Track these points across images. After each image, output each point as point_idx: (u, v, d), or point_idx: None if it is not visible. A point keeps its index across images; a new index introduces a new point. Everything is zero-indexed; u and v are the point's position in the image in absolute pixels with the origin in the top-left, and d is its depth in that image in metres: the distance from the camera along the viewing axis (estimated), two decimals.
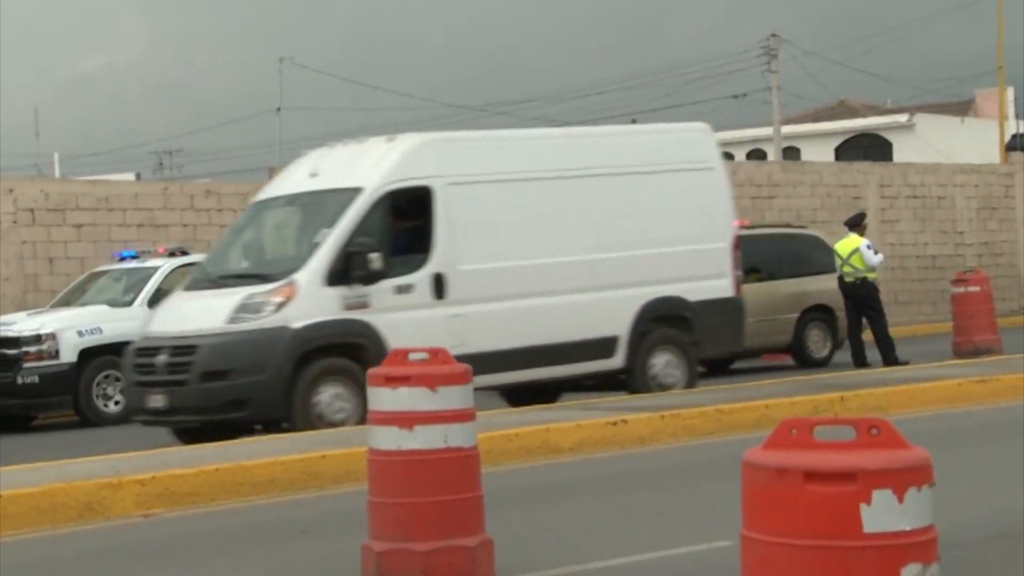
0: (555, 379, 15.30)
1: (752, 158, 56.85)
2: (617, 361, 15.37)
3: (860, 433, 3.76)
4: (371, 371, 7.41)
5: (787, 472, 3.70)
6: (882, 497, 3.63)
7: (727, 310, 16.13)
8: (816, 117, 63.01)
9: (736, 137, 63.18)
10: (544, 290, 14.77)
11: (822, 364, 20.97)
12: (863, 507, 3.62)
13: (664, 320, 15.69)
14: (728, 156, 59.13)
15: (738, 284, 16.39)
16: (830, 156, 56.54)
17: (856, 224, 20.12)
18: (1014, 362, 16.47)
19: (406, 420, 7.12)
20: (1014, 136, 51.31)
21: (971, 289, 20.35)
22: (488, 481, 7.50)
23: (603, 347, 15.24)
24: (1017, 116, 58.75)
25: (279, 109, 53.92)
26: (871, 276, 19.61)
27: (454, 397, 7.21)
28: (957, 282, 20.83)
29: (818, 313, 21.53)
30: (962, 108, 64.18)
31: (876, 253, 19.88)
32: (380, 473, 7.19)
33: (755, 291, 19.86)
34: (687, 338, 15.83)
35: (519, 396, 15.81)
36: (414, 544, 6.94)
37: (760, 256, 21.00)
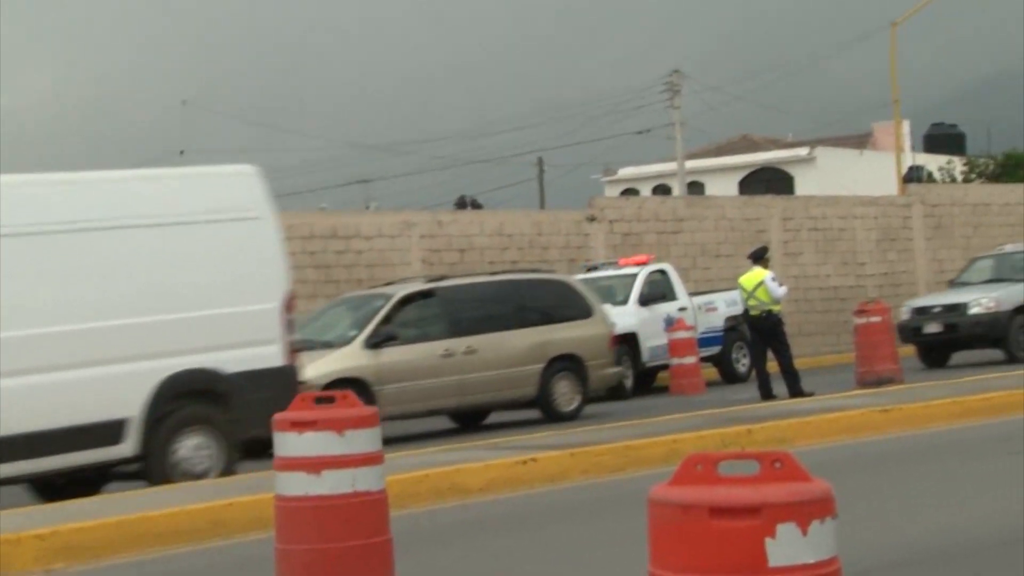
0: (45, 472, 13.00)
1: (657, 193, 57.43)
2: (127, 448, 13.12)
3: (764, 467, 3.77)
4: (277, 416, 7.32)
5: (692, 508, 3.71)
6: (786, 530, 3.64)
7: (276, 382, 13.66)
8: (719, 152, 63.86)
9: (641, 173, 63.79)
10: (20, 368, 12.46)
11: (570, 418, 19.17)
12: (768, 541, 3.63)
13: (192, 397, 13.48)
14: (633, 192, 59.80)
15: (292, 350, 14.10)
16: (734, 190, 57.29)
17: (759, 257, 20.36)
18: (915, 391, 16.74)
19: (313, 465, 7.04)
20: (911, 168, 52.40)
21: (873, 320, 20.67)
22: (397, 524, 7.43)
23: (106, 432, 12.99)
24: (913, 148, 60.05)
25: (182, 152, 53.47)
26: (776, 308, 19.84)
27: (362, 440, 7.15)
28: (859, 313, 21.16)
29: (566, 363, 19.51)
30: (860, 141, 65.41)
31: (780, 285, 20.14)
32: (287, 519, 7.10)
33: (496, 341, 19.01)
34: (223, 417, 13.57)
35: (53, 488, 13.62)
36: None
37: (503, 303, 19.69)
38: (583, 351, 19.84)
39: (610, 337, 20.62)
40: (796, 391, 19.29)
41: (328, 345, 18.62)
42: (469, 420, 19.96)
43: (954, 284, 25.88)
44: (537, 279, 20.95)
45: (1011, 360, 22.82)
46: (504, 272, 21.61)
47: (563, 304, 20.28)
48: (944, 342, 24.22)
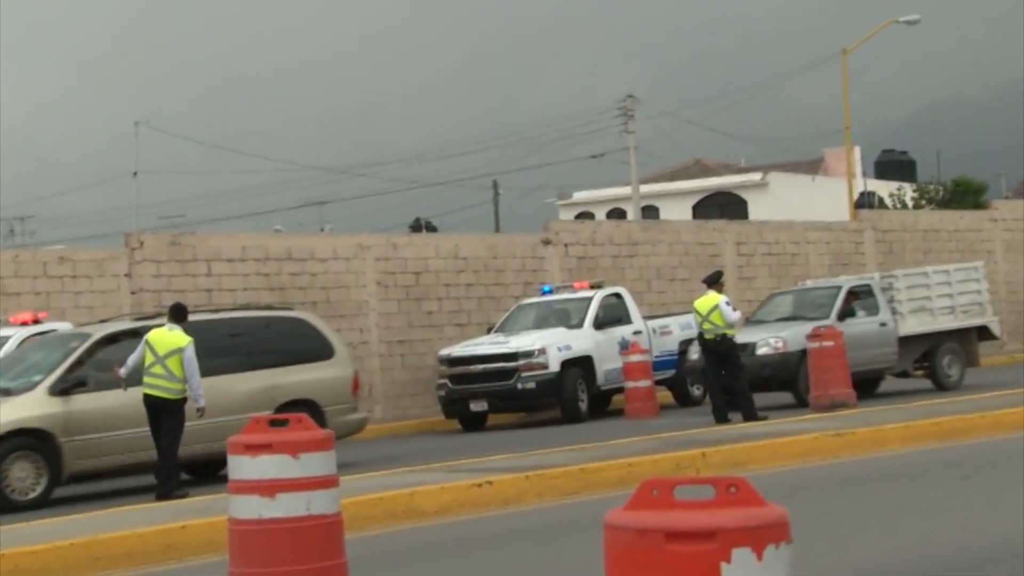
0: None
1: (612, 217, 57.65)
2: None
3: (719, 492, 3.81)
4: (231, 439, 7.30)
5: (648, 532, 3.73)
6: (741, 555, 3.67)
7: None
8: (673, 176, 64.19)
9: (596, 197, 64.02)
10: None
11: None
12: (723, 566, 3.66)
13: None
14: (588, 215, 59.97)
15: None
16: (688, 214, 57.57)
17: (714, 282, 20.46)
18: (868, 415, 16.86)
19: (267, 488, 7.02)
20: (862, 194, 52.88)
21: (826, 344, 20.79)
22: (352, 547, 7.41)
23: None
24: (864, 174, 60.61)
25: (135, 173, 53.17)
26: (730, 332, 19.94)
27: (317, 463, 7.13)
28: (812, 337, 21.28)
29: (300, 408, 17.19)
30: (813, 166, 65.95)
31: (735, 310, 20.24)
32: (241, 543, 7.06)
33: (214, 386, 16.51)
34: None
35: None
36: None
37: (227, 344, 17.67)
38: (320, 395, 17.91)
39: (352, 380, 18.63)
40: (750, 415, 19.37)
41: (6, 392, 16.12)
42: (204, 470, 17.76)
43: (750, 321, 23.93)
44: (271, 316, 18.94)
45: (801, 404, 21.02)
46: (233, 309, 19.71)
47: (300, 344, 18.35)
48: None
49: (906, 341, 23.31)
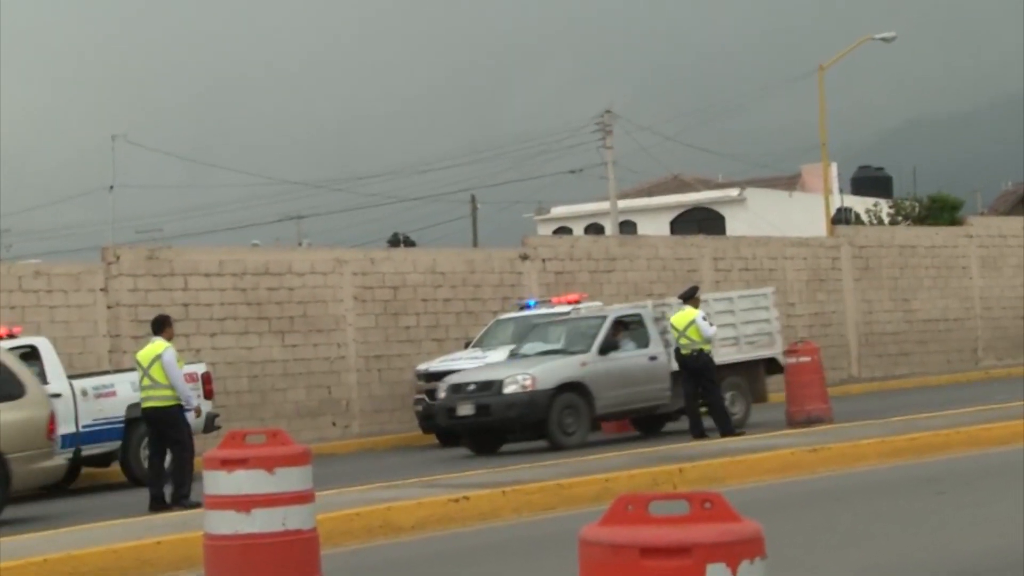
0: None
1: (590, 232, 57.72)
2: None
3: (694, 507, 3.81)
4: (207, 454, 7.28)
5: (623, 548, 3.73)
6: (716, 571, 3.67)
7: None
8: (651, 191, 64.32)
9: (574, 212, 64.11)
10: None
11: None
12: None
13: None
14: (566, 230, 60.04)
15: None
16: (665, 230, 57.69)
17: (690, 297, 20.52)
18: (844, 431, 16.91)
19: (243, 503, 6.99)
20: (839, 210, 53.08)
21: (802, 359, 20.85)
22: (329, 563, 7.39)
23: None
24: (841, 190, 60.86)
25: (112, 187, 53.01)
26: (707, 348, 19.98)
27: (293, 479, 7.11)
28: (789, 353, 21.33)
29: None
30: (790, 182, 66.17)
31: (711, 325, 20.28)
32: (216, 558, 7.03)
33: None
34: None
35: None
36: None
37: None
38: (5, 441, 15.61)
39: (47, 422, 16.16)
40: (726, 430, 19.40)
41: None
42: None
43: (512, 355, 21.83)
44: None
45: (556, 448, 19.45)
46: None
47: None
48: (478, 427, 20.25)
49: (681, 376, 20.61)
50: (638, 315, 21.62)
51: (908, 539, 9.67)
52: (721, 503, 3.80)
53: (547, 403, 19.84)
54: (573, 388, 20.23)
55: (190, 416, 15.97)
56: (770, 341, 22.47)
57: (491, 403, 19.88)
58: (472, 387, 20.45)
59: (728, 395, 21.08)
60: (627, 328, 21.24)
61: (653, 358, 21.20)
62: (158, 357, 15.44)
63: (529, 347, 21.72)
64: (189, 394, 15.76)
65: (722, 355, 21.28)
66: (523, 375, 20.10)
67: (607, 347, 20.75)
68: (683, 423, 20.54)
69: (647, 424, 22.02)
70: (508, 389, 19.99)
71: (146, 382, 15.58)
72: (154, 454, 15.87)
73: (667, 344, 20.98)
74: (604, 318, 21.44)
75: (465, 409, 20.17)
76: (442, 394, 20.88)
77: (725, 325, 21.76)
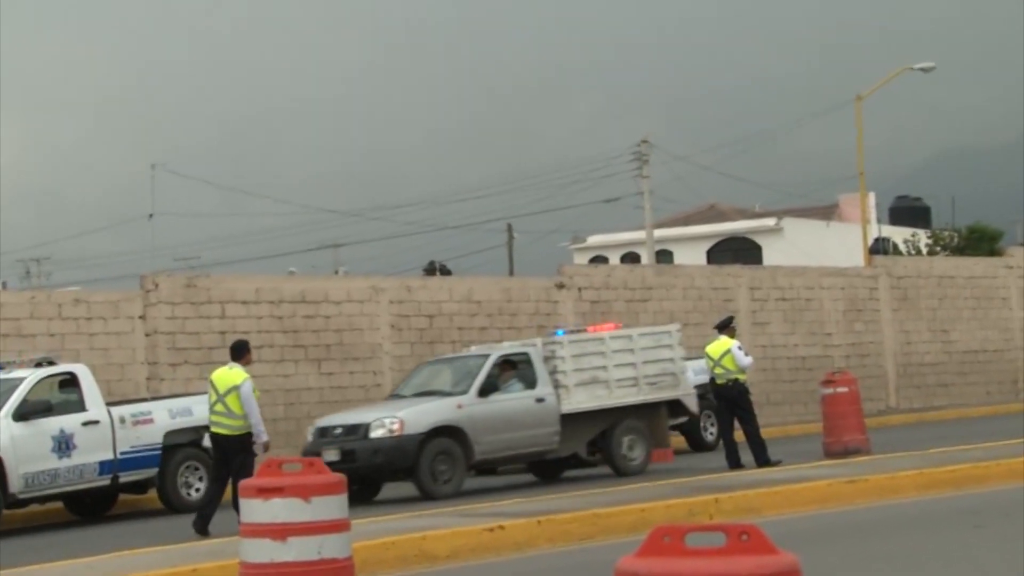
0: None
1: (626, 261, 57.68)
2: None
3: (731, 539, 3.80)
4: (243, 483, 7.31)
5: None
6: None
7: None
8: (687, 221, 64.24)
9: (610, 241, 64.12)
10: None
11: None
12: None
13: None
14: (602, 259, 60.02)
15: None
16: (702, 259, 57.60)
17: (725, 327, 20.47)
18: (882, 462, 16.79)
19: (279, 532, 7.01)
20: (877, 239, 52.84)
21: (840, 390, 20.74)
22: None
23: None
24: (879, 220, 60.60)
25: (151, 215, 53.45)
26: (742, 377, 19.91)
27: (329, 507, 7.13)
28: (826, 383, 21.22)
29: None
30: (827, 212, 65.96)
31: (746, 355, 20.21)
32: None
33: None
34: None
35: None
36: None
37: None
38: None
39: None
40: (762, 460, 19.30)
41: None
42: None
43: (392, 396, 21.05)
44: None
45: (427, 497, 18.29)
46: None
47: None
48: (344, 473, 19.01)
49: (574, 419, 19.88)
50: (525, 354, 20.14)
51: (946, 573, 9.58)
52: (758, 535, 3.78)
53: (416, 449, 18.40)
54: (448, 432, 18.73)
55: (258, 449, 16.04)
56: (673, 382, 21.06)
57: (356, 448, 18.48)
58: (339, 431, 19.04)
59: (626, 440, 20.20)
60: (514, 368, 19.91)
61: (541, 400, 19.81)
62: (236, 388, 15.66)
63: (410, 387, 20.26)
64: (262, 428, 15.91)
65: (618, 397, 20.26)
66: (391, 418, 18.65)
67: (488, 388, 19.39)
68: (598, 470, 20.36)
69: (544, 470, 20.62)
70: (375, 433, 18.48)
71: (219, 408, 15.82)
72: (214, 479, 16.09)
73: (557, 384, 19.87)
74: (487, 357, 19.96)
75: (330, 455, 18.48)
76: (309, 438, 19.56)
77: (624, 365, 20.48)
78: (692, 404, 21.56)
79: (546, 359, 20.10)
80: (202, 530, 15.16)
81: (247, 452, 15.60)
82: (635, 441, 20.40)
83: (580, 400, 20.06)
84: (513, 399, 19.63)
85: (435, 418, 18.82)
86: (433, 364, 21.39)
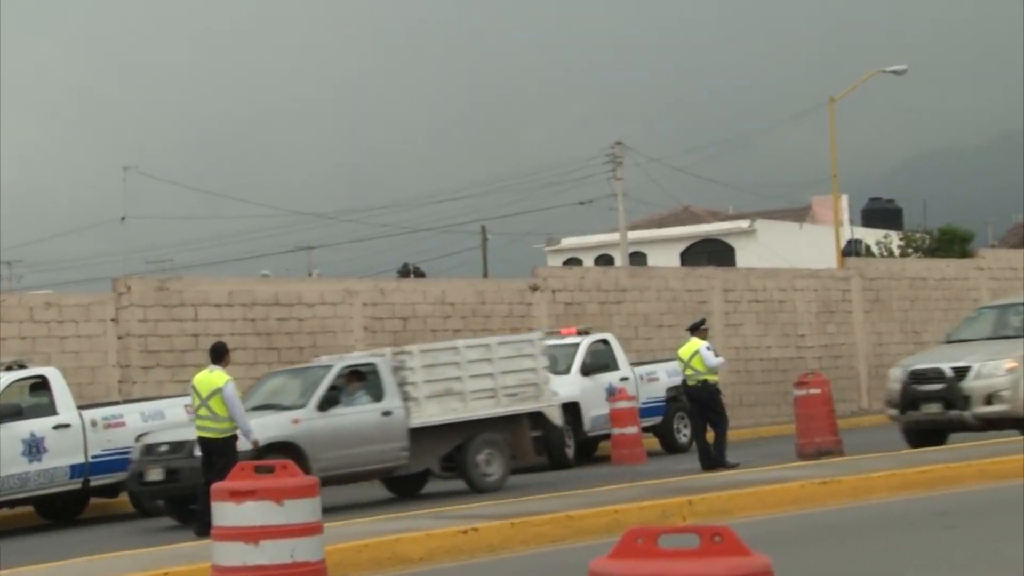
0: None
1: (600, 263, 57.73)
2: None
3: (704, 541, 3.80)
4: (215, 486, 7.27)
5: None
6: None
7: None
8: (661, 223, 64.37)
9: (584, 243, 64.18)
10: None
11: None
12: None
13: None
14: (576, 261, 60.10)
15: None
16: (675, 261, 57.71)
17: (697, 328, 20.55)
18: (855, 463, 16.84)
19: (251, 535, 6.98)
20: (849, 241, 53.09)
21: (812, 391, 20.79)
22: None
23: None
24: (851, 222, 60.86)
25: (123, 218, 53.21)
26: (712, 379, 19.96)
27: (302, 510, 7.10)
28: (799, 384, 21.28)
29: None
30: (800, 214, 66.20)
31: (716, 356, 20.26)
32: None
33: None
34: None
35: None
36: None
37: None
38: None
39: None
40: (720, 461, 19.40)
41: None
42: None
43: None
44: None
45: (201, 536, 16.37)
46: None
47: None
48: (168, 495, 17.86)
49: (425, 433, 18.87)
50: (372, 365, 19.08)
51: (918, 575, 9.61)
52: (731, 537, 3.78)
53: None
54: (282, 449, 17.33)
55: (247, 446, 15.99)
56: (536, 393, 20.02)
57: (181, 467, 17.23)
58: (164, 448, 17.89)
59: (484, 454, 19.23)
60: (363, 379, 18.92)
61: (387, 413, 18.76)
62: (219, 390, 15.68)
63: (252, 400, 18.87)
64: (250, 427, 15.94)
65: (474, 410, 19.29)
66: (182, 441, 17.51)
67: (328, 401, 18.29)
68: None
69: (400, 486, 19.72)
70: (200, 451, 16.57)
71: (203, 412, 15.82)
72: (207, 482, 15.71)
73: (407, 397, 18.89)
74: (330, 368, 18.86)
75: (154, 474, 17.61)
76: (135, 455, 18.35)
77: (481, 376, 19.49)
78: (556, 416, 20.48)
79: (396, 370, 19.03)
80: (205, 534, 15.01)
81: (230, 455, 15.45)
82: (492, 456, 19.38)
83: (431, 413, 19.03)
84: (357, 413, 18.56)
85: (267, 434, 17.32)
86: (278, 375, 20.27)
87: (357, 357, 19.92)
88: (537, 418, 20.17)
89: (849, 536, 11.82)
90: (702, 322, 20.97)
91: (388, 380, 18.94)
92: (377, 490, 19.61)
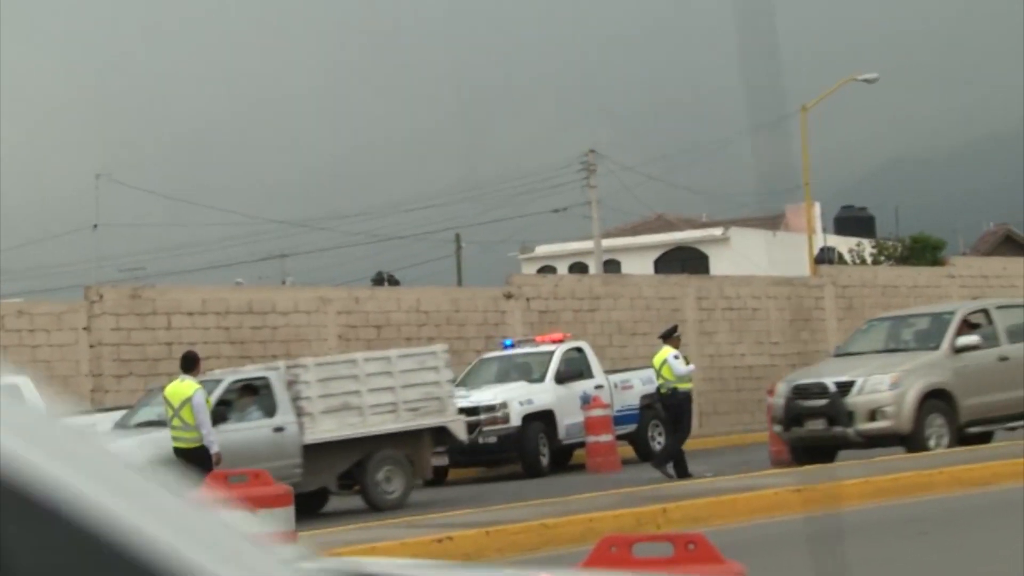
0: None
1: (574, 271, 57.80)
2: None
3: (678, 549, 3.81)
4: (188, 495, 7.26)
5: None
6: None
7: None
8: (635, 231, 64.48)
9: (558, 251, 64.23)
10: None
11: None
12: None
13: None
14: (550, 269, 60.15)
15: None
16: (649, 269, 57.83)
17: (668, 336, 20.62)
18: (828, 471, 16.91)
19: None
20: (822, 249, 53.29)
21: None
22: None
23: None
24: (824, 230, 61.11)
25: (95, 226, 52.98)
26: (682, 387, 20.01)
27: (275, 520, 7.10)
28: (772, 392, 21.35)
29: None
30: (774, 222, 66.44)
31: (687, 363, 20.32)
32: None
33: None
34: None
35: None
36: None
37: None
38: None
39: None
40: (660, 462, 19.59)
41: None
42: None
43: (116, 426, 19.09)
44: None
45: None
46: None
47: None
48: None
49: (320, 450, 18.27)
50: (265, 378, 18.48)
51: None
52: (705, 544, 3.80)
53: None
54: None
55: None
56: (439, 407, 19.44)
57: None
58: None
59: (383, 471, 18.65)
60: (255, 393, 18.31)
61: (279, 429, 18.12)
62: (189, 400, 15.60)
63: (142, 414, 18.47)
64: (212, 439, 15.78)
65: (373, 425, 18.71)
66: None
67: (216, 417, 17.15)
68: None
69: (299, 504, 18.90)
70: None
71: (176, 423, 15.74)
72: None
73: (301, 412, 18.31)
74: (219, 382, 18.10)
75: None
76: None
77: (381, 389, 18.91)
78: (460, 431, 19.91)
79: (289, 384, 18.40)
80: None
81: (205, 464, 15.36)
82: (393, 472, 18.78)
83: (327, 429, 18.41)
84: (247, 429, 17.88)
85: (150, 451, 16.04)
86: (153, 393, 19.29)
87: (248, 371, 19.34)
88: (440, 433, 19.66)
89: (821, 543, 11.86)
90: (674, 330, 21.04)
91: (281, 394, 18.32)
92: (352, 500, 19.57)
